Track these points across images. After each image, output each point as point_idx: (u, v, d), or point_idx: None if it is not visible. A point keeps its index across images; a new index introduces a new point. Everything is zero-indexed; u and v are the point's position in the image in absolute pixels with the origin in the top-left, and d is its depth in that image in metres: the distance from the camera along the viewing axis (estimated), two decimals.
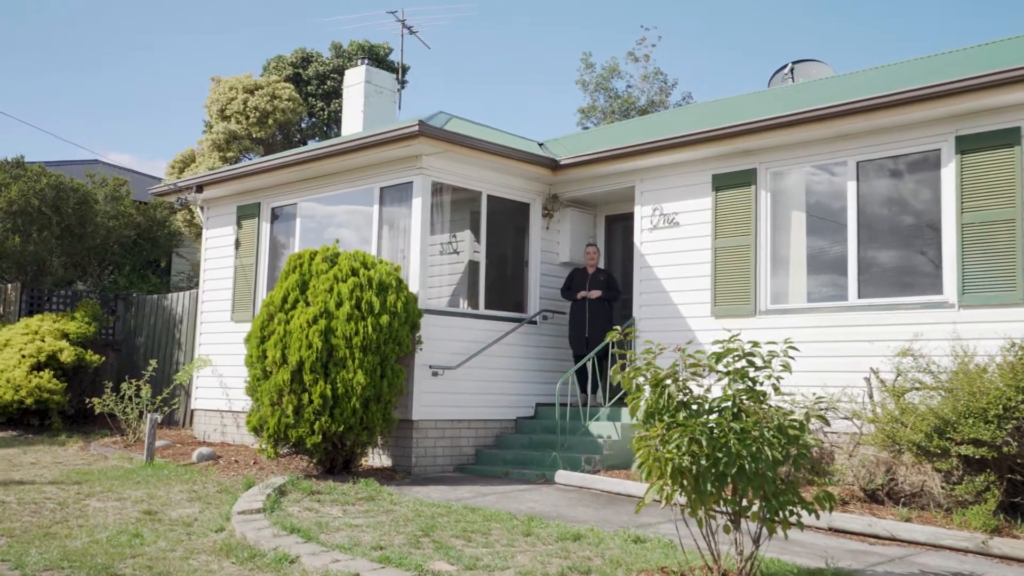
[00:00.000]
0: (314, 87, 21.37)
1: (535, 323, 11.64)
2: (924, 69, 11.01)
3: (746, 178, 10.10)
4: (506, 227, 11.72)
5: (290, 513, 7.46)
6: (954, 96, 8.39)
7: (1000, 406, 6.67)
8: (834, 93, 10.84)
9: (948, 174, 8.70)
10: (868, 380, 8.27)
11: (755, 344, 5.49)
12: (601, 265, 12.00)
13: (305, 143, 21.03)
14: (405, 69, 18.97)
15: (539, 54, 56.48)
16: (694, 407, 5.29)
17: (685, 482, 5.10)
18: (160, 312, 15.78)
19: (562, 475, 9.48)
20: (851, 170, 9.41)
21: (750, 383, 5.38)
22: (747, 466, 5.03)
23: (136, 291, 17.09)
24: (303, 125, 21.53)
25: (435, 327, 10.26)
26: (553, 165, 11.34)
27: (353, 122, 15.64)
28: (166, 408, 13.37)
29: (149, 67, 61.26)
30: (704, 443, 4.99)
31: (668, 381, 5.33)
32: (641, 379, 5.55)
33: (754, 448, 5.05)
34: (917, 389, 7.58)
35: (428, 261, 10.57)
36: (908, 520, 7.20)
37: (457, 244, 11.46)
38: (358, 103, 15.70)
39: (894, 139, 9.10)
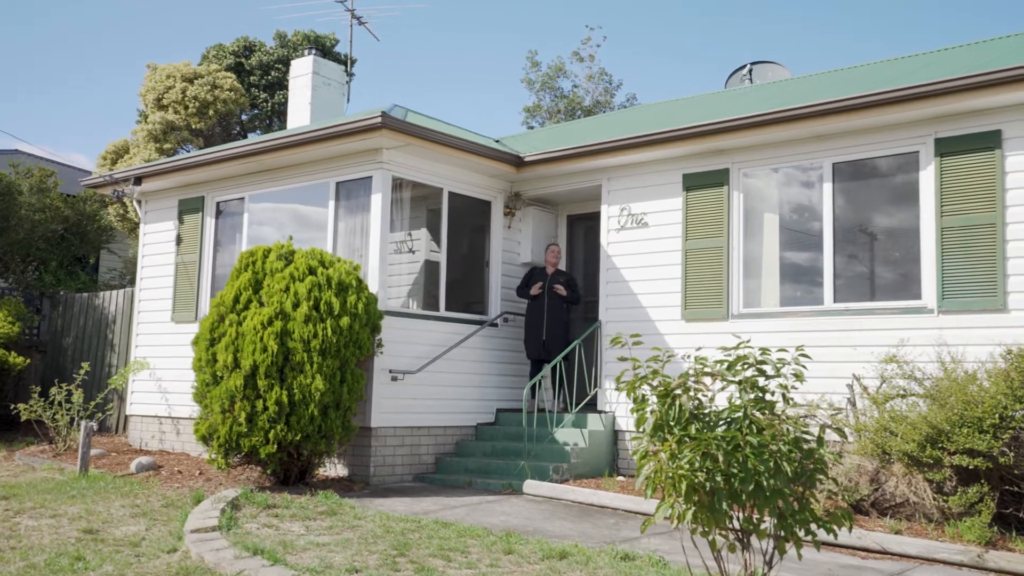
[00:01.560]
0: (257, 77, 20.52)
1: (496, 325, 11.22)
2: (889, 72, 10.91)
3: (718, 178, 9.85)
4: (467, 226, 11.27)
5: (248, 531, 6.90)
6: (935, 97, 8.24)
7: (996, 415, 6.49)
8: (803, 94, 10.68)
9: (927, 177, 8.56)
10: (851, 387, 8.06)
11: (765, 351, 5.17)
12: (562, 267, 11.64)
13: (245, 136, 20.20)
14: (352, 62, 18.36)
15: (485, 51, 56.07)
16: (705, 419, 4.93)
17: (697, 499, 4.74)
18: (90, 312, 14.88)
19: (531, 485, 9.07)
20: (827, 171, 9.22)
21: (760, 393, 5.06)
22: (765, 482, 4.69)
23: (64, 289, 16.12)
24: (243, 117, 20.67)
25: (395, 329, 9.76)
26: (517, 162, 10.93)
27: (300, 115, 14.97)
28: (100, 414, 12.57)
29: (72, 50, 58.94)
30: (720, 458, 4.64)
31: (678, 391, 4.96)
32: (646, 388, 5.16)
33: (771, 463, 4.72)
34: (903, 396, 7.37)
35: (388, 260, 10.06)
36: (898, 532, 6.98)
37: (416, 243, 10.97)
38: (305, 95, 15.04)
39: (871, 140, 8.94)
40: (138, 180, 12.30)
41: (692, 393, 4.91)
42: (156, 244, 12.67)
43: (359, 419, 9.44)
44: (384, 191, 9.92)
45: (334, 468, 9.85)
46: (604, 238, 10.70)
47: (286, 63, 20.79)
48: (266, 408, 8.51)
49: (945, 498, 6.86)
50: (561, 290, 10.90)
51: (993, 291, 8.04)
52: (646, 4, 48.78)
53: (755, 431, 4.83)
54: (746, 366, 5.07)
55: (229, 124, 18.95)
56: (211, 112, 17.38)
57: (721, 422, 4.98)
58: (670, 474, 4.68)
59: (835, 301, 9.02)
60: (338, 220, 10.43)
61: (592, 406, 10.50)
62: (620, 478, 9.67)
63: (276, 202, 11.30)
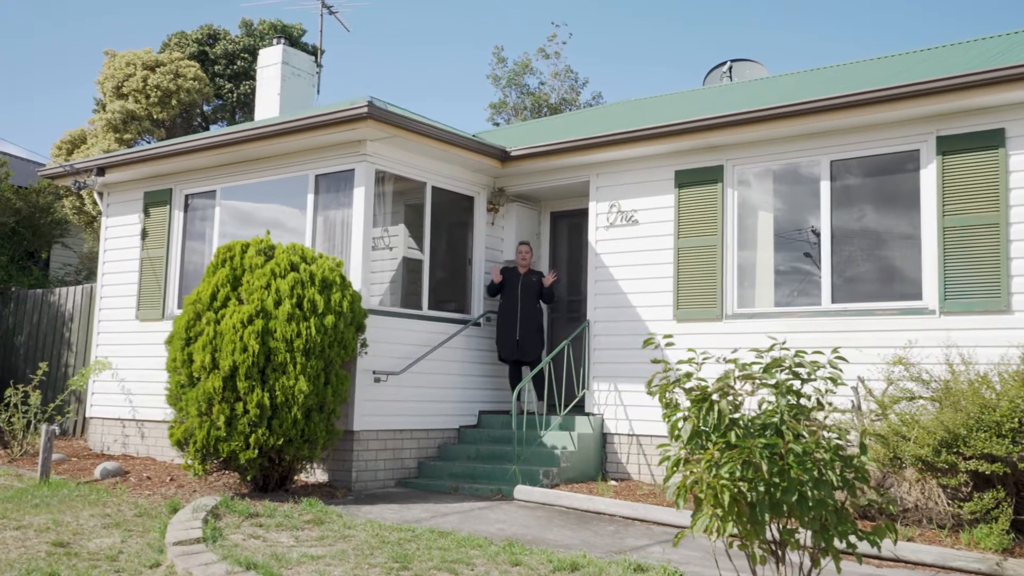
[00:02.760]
0: (222, 67, 19.80)
1: (479, 325, 10.88)
2: (873, 72, 10.83)
3: (712, 175, 9.63)
4: (449, 222, 10.91)
5: (235, 543, 6.48)
6: (937, 95, 8.10)
7: (1016, 419, 6.33)
8: (788, 91, 10.55)
9: (928, 175, 8.42)
10: (855, 390, 7.88)
11: (800, 353, 4.93)
12: (535, 267, 11.33)
13: (207, 128, 19.53)
14: (321, 53, 17.84)
15: (451, 46, 55.40)
16: (745, 425, 4.66)
17: (739, 511, 4.46)
18: (45, 309, 14.19)
19: (522, 491, 8.75)
20: (824, 169, 9.05)
21: (795, 397, 4.81)
22: (809, 492, 4.44)
23: (15, 285, 15.38)
24: (206, 108, 19.96)
25: (378, 329, 9.37)
26: (503, 156, 10.60)
27: (268, 106, 14.47)
28: (60, 417, 11.97)
29: (21, 34, 57.05)
30: (764, 467, 4.37)
31: (716, 396, 4.69)
32: (677, 392, 4.88)
33: (815, 472, 4.47)
34: (910, 399, 7.20)
35: (371, 256, 9.66)
36: (911, 539, 6.80)
37: (398, 239, 10.58)
38: (274, 86, 14.54)
39: (870, 138, 8.78)
40: (101, 171, 11.72)
41: (731, 398, 4.63)
42: (119, 238, 12.10)
43: (340, 422, 9.04)
44: (368, 184, 9.53)
45: (312, 474, 9.43)
46: (592, 236, 10.43)
47: (252, 53, 20.13)
48: (247, 411, 8.07)
49: (960, 504, 6.70)
50: (551, 278, 10.55)
51: (997, 292, 7.92)
52: (611, 2, 48.75)
53: (794, 438, 4.58)
54: (782, 369, 4.83)
55: (191, 115, 18.28)
56: (174, 102, 16.71)
57: (760, 428, 4.72)
58: (711, 484, 4.40)
59: (833, 302, 8.85)
60: (317, 215, 10.00)
61: (579, 408, 10.22)
62: (612, 482, 9.40)
63: (250, 195, 10.82)
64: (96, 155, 13.81)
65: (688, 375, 4.84)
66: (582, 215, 11.48)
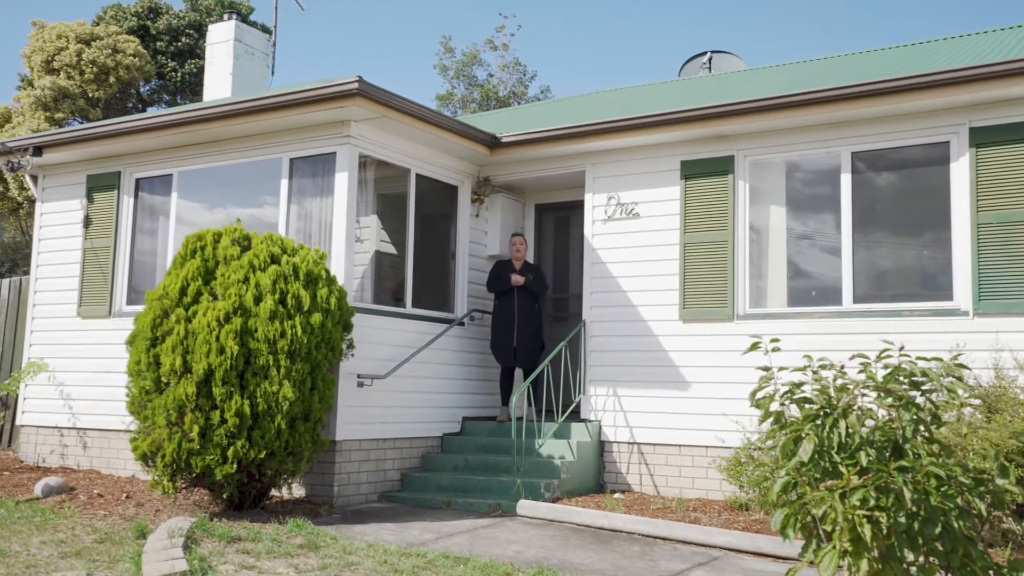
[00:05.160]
0: (164, 44, 18.33)
1: (463, 324, 10.08)
2: (866, 65, 10.43)
3: (722, 166, 9.04)
4: (431, 213, 10.08)
5: None
6: (970, 84, 7.66)
7: None
8: (801, 80, 10.06)
9: (960, 169, 7.98)
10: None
11: (912, 360, 4.32)
12: (529, 259, 10.61)
13: (144, 109, 18.13)
14: (275, 31, 16.68)
15: (399, 33, 53.89)
16: (876, 445, 4.02)
17: (876, 546, 3.82)
18: None
19: (527, 506, 8.01)
20: (845, 161, 8.54)
21: (916, 412, 4.20)
22: (954, 523, 3.82)
23: None
24: (143, 89, 18.51)
25: (362, 328, 8.50)
26: (492, 143, 9.82)
27: (219, 86, 13.39)
28: None
29: None
30: (908, 495, 3.73)
31: (834, 411, 4.03)
32: (780, 404, 4.21)
33: (959, 499, 3.86)
34: (961, 407, 6.68)
35: (354, 249, 8.78)
36: None
37: (379, 231, 9.70)
38: (225, 64, 13.46)
39: (895, 129, 8.30)
40: (38, 150, 10.51)
41: (860, 413, 3.98)
42: (57, 226, 10.90)
43: (324, 432, 8.14)
44: (351, 169, 8.65)
45: (288, 489, 8.49)
46: (588, 229, 9.73)
47: (198, 29, 18.74)
48: (224, 420, 7.13)
49: None
50: (520, 280, 9.79)
51: None
52: None
53: (927, 458, 3.96)
54: (904, 378, 4.21)
55: (126, 95, 16.90)
56: (112, 79, 15.36)
57: (880, 447, 4.09)
58: (847, 514, 3.73)
59: (854, 302, 8.35)
60: (291, 202, 9.07)
61: (575, 414, 9.52)
62: (618, 495, 8.73)
63: (214, 180, 9.78)
64: (25, 135, 12.49)
65: (798, 385, 4.18)
66: (571, 208, 10.80)
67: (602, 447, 9.36)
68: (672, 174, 9.28)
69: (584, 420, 9.42)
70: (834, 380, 4.10)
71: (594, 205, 9.72)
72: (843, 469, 3.87)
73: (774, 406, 4.17)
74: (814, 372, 4.19)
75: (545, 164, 10.11)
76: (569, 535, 7.33)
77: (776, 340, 4.53)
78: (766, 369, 4.26)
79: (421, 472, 9.19)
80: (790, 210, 8.89)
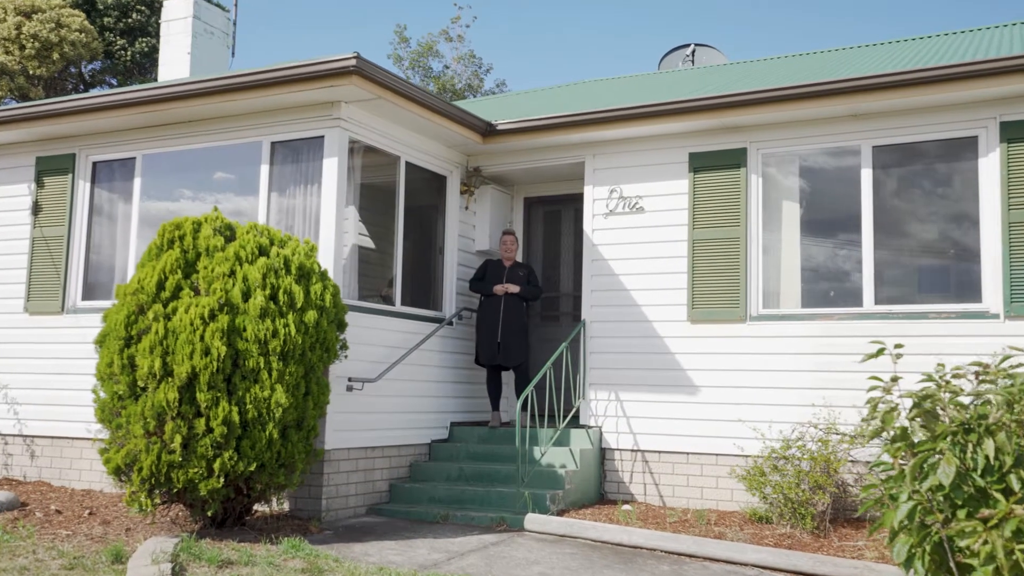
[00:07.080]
0: (113, 20, 17.08)
1: (451, 324, 9.45)
2: (863, 59, 10.14)
3: (733, 159, 8.58)
4: (418, 205, 9.42)
5: None
6: (1002, 76, 7.33)
7: None
8: (814, 71, 9.69)
9: (989, 165, 7.66)
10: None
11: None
12: (519, 258, 10.02)
13: (87, 89, 16.95)
14: (235, 9, 15.71)
15: (353, 20, 52.52)
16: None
17: None
18: None
19: (536, 520, 7.41)
20: (866, 155, 8.15)
21: None
22: None
23: None
24: (86, 69, 17.27)
25: (353, 328, 7.80)
26: (486, 130, 9.20)
27: (176, 66, 12.45)
28: None
29: None
30: None
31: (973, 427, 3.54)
32: (905, 418, 3.71)
33: None
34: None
35: (343, 241, 8.08)
36: None
37: (364, 223, 9.00)
38: (183, 43, 12.53)
39: (919, 122, 7.95)
40: None
41: (1011, 430, 3.51)
42: (2, 213, 9.92)
43: (316, 440, 7.42)
44: (341, 155, 7.95)
45: (272, 503, 7.74)
46: (588, 224, 9.19)
47: (150, 6, 17.53)
48: (210, 429, 6.38)
49: None
50: (514, 288, 9.21)
51: None
52: None
53: None
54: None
55: (68, 74, 15.73)
56: (56, 56, 14.22)
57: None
58: (1009, 548, 3.24)
59: (875, 303, 7.97)
60: (272, 190, 8.32)
61: (574, 420, 8.96)
62: (626, 507, 8.20)
63: (183, 164, 8.95)
64: None
65: (927, 396, 3.68)
66: (563, 201, 10.26)
67: (603, 455, 8.83)
68: (680, 166, 8.79)
69: (584, 426, 8.87)
70: (974, 388, 3.63)
71: (594, 198, 9.18)
72: (996, 495, 3.38)
73: (900, 420, 3.67)
74: (946, 382, 3.70)
75: (540, 154, 9.53)
76: (590, 553, 6.77)
77: (900, 346, 4.03)
78: (894, 379, 3.76)
79: (410, 483, 8.53)
80: (806, 206, 8.49)
